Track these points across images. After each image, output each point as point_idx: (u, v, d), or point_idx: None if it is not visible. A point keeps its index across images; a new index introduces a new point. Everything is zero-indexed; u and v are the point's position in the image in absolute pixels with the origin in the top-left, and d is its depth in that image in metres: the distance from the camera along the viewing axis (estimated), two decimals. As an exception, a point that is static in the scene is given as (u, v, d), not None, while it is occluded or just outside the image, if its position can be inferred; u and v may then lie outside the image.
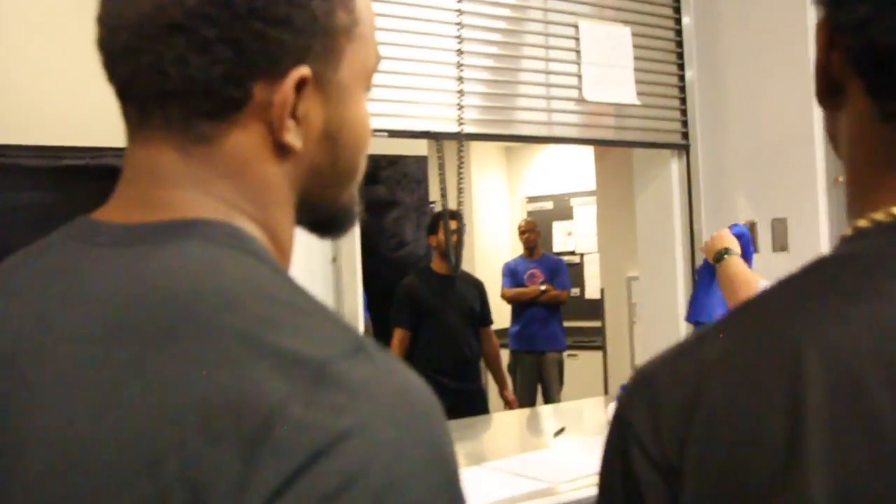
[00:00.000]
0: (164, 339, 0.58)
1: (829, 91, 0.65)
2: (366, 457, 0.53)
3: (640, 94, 3.41)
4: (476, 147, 6.50)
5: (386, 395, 0.56)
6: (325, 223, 0.77)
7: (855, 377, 0.55)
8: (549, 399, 6.19)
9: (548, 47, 3.23)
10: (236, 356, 0.56)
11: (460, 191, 2.96)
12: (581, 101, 3.27)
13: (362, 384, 0.56)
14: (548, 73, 3.22)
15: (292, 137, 0.67)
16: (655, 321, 3.65)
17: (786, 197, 3.39)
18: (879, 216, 0.61)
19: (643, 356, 5.54)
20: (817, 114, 3.31)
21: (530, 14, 3.20)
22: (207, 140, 0.66)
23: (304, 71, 0.66)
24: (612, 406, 0.67)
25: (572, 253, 7.93)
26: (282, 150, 0.67)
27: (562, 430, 2.97)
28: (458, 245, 3.12)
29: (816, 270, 0.63)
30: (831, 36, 0.63)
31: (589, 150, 6.85)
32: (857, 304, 0.57)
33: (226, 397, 0.55)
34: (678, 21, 3.58)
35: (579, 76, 3.27)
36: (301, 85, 0.66)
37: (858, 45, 0.60)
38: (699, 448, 0.58)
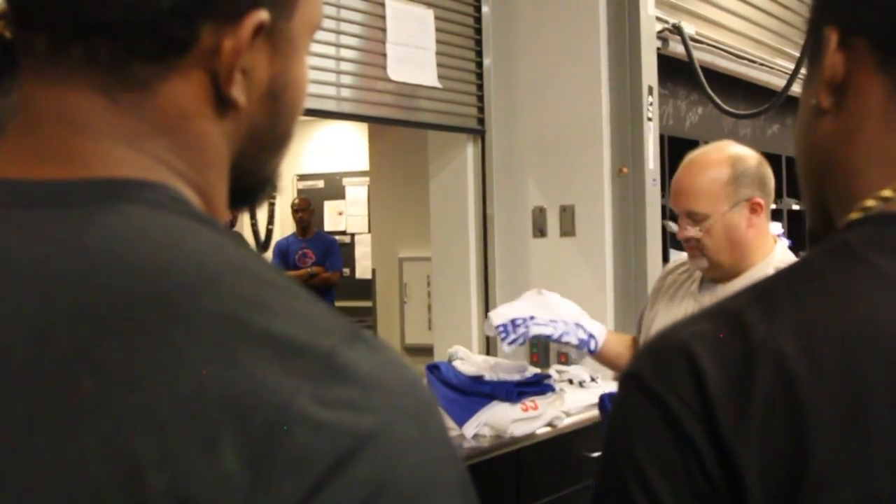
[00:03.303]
0: (123, 322, 0.48)
1: (832, 90, 0.70)
2: (393, 461, 0.47)
3: (440, 77, 3.45)
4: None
5: (398, 388, 0.50)
6: (247, 192, 0.67)
7: None
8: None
9: (353, 22, 3.19)
10: (226, 344, 0.47)
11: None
12: (381, 79, 3.26)
13: (372, 376, 0.49)
14: (347, 48, 3.17)
15: (238, 92, 0.57)
16: (448, 301, 3.71)
17: (574, 185, 3.56)
18: None
19: (414, 336, 5.64)
20: (605, 106, 3.51)
21: (339, -12, 3.14)
22: (140, 86, 0.55)
23: (262, 15, 0.56)
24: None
25: (343, 233, 7.91)
26: (223, 105, 0.58)
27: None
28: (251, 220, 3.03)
29: (840, 254, 0.66)
30: (842, 37, 0.69)
31: (362, 130, 6.85)
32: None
33: (220, 394, 0.46)
34: (478, 9, 3.65)
35: (384, 55, 3.26)
36: (256, 32, 0.57)
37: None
38: (758, 435, 0.59)
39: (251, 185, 0.66)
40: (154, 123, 0.56)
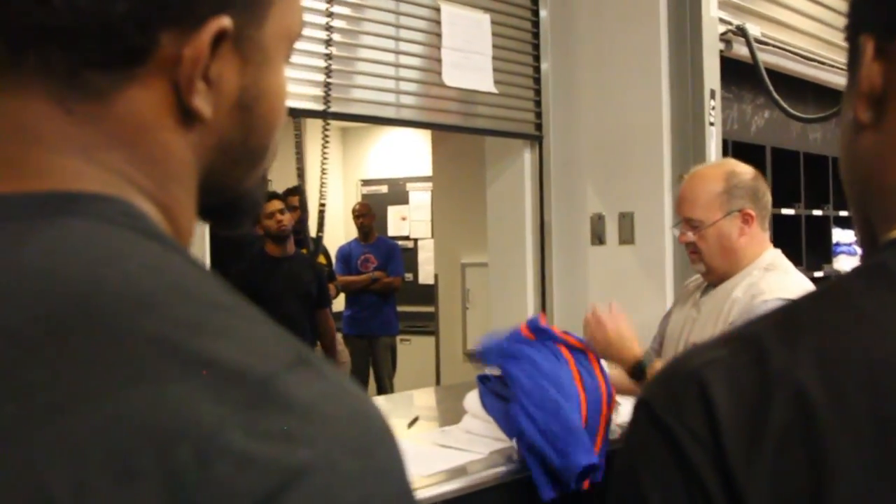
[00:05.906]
0: (50, 344, 0.46)
1: (870, 102, 0.65)
2: (330, 496, 0.44)
3: (496, 82, 3.41)
4: (310, 127, 6.39)
5: (341, 417, 0.46)
6: (225, 209, 0.64)
7: None
8: (380, 383, 6.16)
9: (409, 28, 3.17)
10: (154, 369, 0.45)
11: (300, 172, 2.91)
12: (438, 85, 3.23)
13: (313, 405, 0.46)
14: (404, 54, 3.16)
15: (201, 102, 0.55)
16: (506, 307, 3.67)
17: (633, 191, 3.49)
18: None
19: (475, 341, 5.60)
20: (665, 111, 3.42)
21: (393, -6, 3.13)
22: (97, 96, 0.53)
23: (224, 22, 0.54)
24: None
25: (406, 238, 7.92)
26: (188, 116, 0.56)
27: (415, 420, 2.93)
28: (303, 222, 3.04)
29: (873, 276, 0.61)
30: (879, 45, 0.64)
31: (426, 135, 6.84)
32: None
33: (142, 423, 0.43)
34: (536, 13, 3.60)
35: (439, 60, 3.23)
36: (218, 39, 0.55)
37: None
38: (770, 473, 0.55)
39: (227, 201, 0.63)
40: (112, 135, 0.54)
